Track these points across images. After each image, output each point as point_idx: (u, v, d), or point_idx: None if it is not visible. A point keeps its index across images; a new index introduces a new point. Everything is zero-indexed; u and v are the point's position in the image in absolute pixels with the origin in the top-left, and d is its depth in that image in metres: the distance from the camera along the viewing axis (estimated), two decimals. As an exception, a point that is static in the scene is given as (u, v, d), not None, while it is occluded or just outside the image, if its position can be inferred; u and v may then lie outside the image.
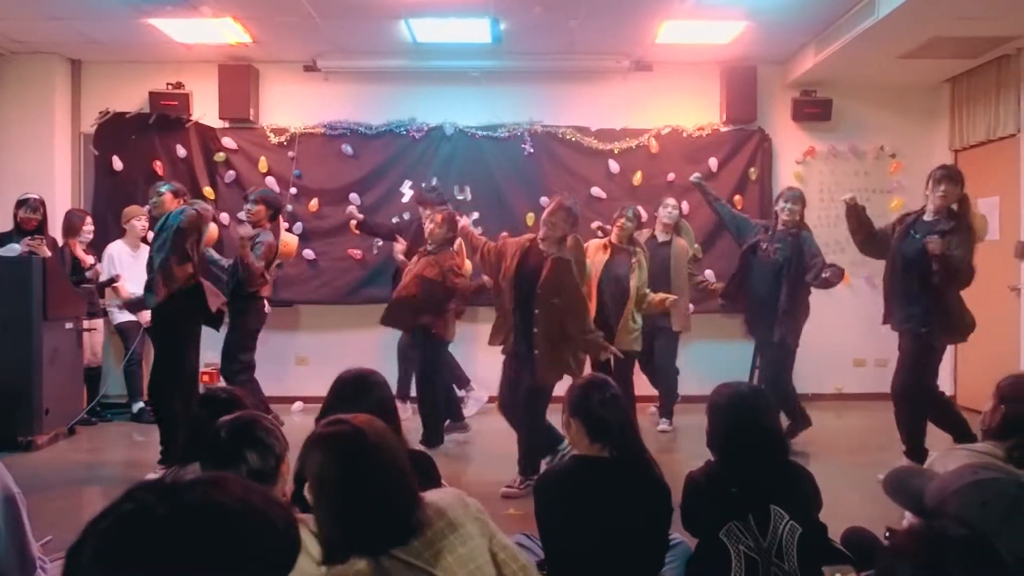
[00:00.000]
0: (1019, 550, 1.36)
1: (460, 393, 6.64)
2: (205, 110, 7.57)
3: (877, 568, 1.37)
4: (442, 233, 5.75)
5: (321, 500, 1.89)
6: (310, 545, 1.94)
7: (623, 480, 2.63)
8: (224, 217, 7.27)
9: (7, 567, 2.35)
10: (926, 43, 6.40)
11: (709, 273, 7.11)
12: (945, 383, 6.08)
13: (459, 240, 5.72)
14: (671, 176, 7.59)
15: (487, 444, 6.00)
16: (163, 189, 5.45)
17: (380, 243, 7.46)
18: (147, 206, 5.79)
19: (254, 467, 2.17)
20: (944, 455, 2.74)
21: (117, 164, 7.44)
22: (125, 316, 6.85)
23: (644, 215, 6.40)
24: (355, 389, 2.79)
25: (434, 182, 7.29)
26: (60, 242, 6.60)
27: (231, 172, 7.54)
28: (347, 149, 7.58)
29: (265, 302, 6.04)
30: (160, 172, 7.43)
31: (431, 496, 2.01)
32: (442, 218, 5.78)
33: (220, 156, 7.54)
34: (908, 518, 2.71)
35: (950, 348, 7.43)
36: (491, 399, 6.19)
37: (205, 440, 2.28)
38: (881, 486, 1.86)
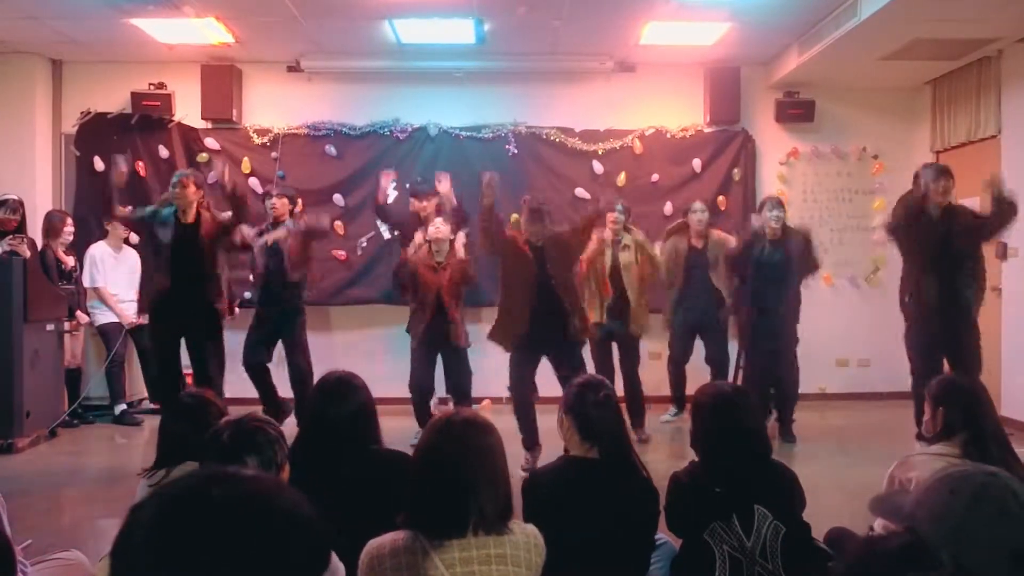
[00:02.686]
0: (987, 538, 1.39)
1: None
2: (187, 111, 7.53)
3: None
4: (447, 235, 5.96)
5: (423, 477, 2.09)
6: None
7: (611, 481, 2.63)
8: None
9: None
10: (908, 45, 6.44)
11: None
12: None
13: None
14: (655, 177, 7.62)
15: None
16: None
17: (364, 244, 7.45)
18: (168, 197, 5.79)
19: None
20: (904, 462, 2.79)
21: (99, 165, 7.39)
22: (107, 317, 6.81)
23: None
24: (337, 392, 2.80)
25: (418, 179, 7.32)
26: (40, 244, 6.55)
27: (213, 173, 7.49)
28: (331, 150, 7.56)
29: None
30: (142, 173, 7.39)
31: (518, 524, 2.10)
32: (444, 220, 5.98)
33: (203, 157, 7.49)
34: (879, 524, 2.74)
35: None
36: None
37: (207, 441, 2.27)
38: (869, 510, 1.88)
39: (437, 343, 5.90)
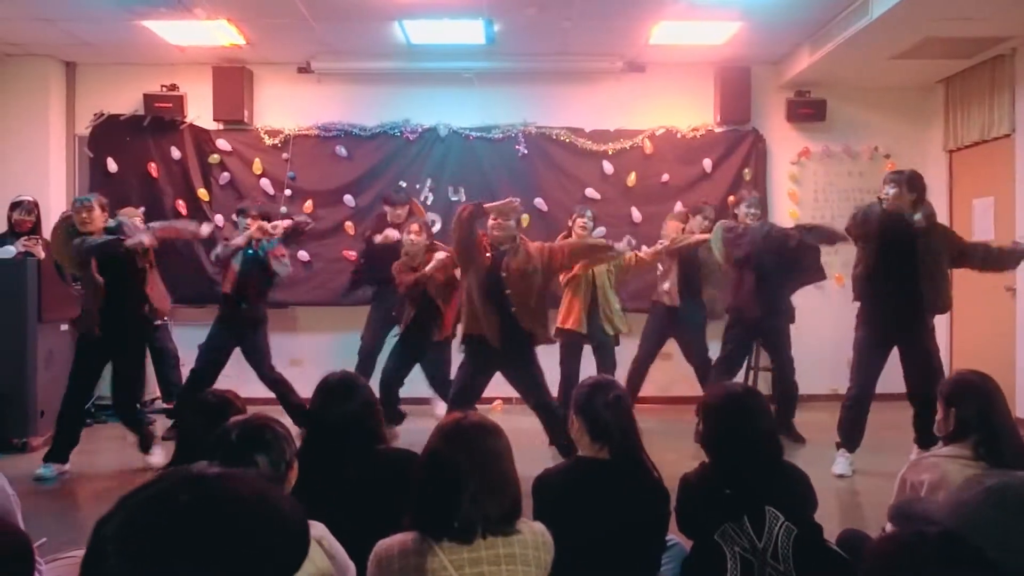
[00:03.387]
0: None
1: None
2: (199, 112, 7.56)
3: (861, 572, 1.37)
4: (422, 242, 5.95)
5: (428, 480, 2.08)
6: (311, 551, 1.94)
7: (621, 482, 2.63)
8: (219, 219, 7.26)
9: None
10: (920, 43, 6.41)
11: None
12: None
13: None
14: (665, 177, 7.60)
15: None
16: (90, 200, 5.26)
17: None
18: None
19: (264, 471, 2.15)
20: (915, 464, 2.75)
21: (112, 166, 7.44)
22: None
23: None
24: (340, 392, 2.80)
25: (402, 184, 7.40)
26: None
27: (225, 174, 7.53)
28: (341, 151, 7.58)
29: None
30: (155, 174, 7.44)
31: (523, 524, 2.10)
32: (419, 228, 5.98)
33: (214, 158, 7.53)
34: (891, 526, 2.71)
35: (946, 348, 7.46)
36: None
37: (214, 441, 2.26)
38: (890, 519, 1.87)
39: (417, 342, 5.95)
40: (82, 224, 5.17)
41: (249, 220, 6.08)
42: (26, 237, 6.03)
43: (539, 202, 7.45)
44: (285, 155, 7.54)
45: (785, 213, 7.68)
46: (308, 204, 7.51)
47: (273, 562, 1.01)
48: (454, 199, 7.55)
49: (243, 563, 0.97)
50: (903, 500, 1.95)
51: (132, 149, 7.47)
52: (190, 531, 0.95)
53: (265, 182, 7.50)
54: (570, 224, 6.20)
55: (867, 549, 1.41)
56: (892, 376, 5.38)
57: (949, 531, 1.30)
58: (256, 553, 0.98)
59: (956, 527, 1.46)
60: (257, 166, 7.53)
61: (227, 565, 0.95)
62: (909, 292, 5.02)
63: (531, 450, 5.13)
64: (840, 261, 7.48)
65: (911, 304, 5.05)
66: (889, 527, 2.28)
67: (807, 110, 7.73)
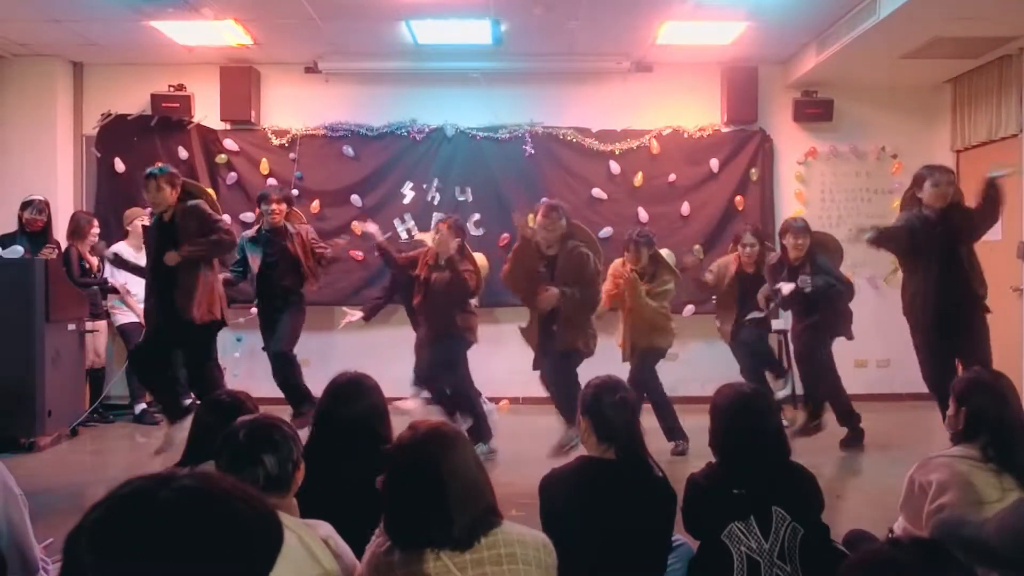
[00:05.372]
0: None
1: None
2: (207, 112, 7.58)
3: None
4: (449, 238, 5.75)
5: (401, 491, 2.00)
6: (317, 551, 1.94)
7: (627, 482, 2.63)
8: (226, 218, 7.26)
9: (10, 568, 2.34)
10: (927, 43, 6.40)
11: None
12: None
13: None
14: (672, 177, 7.60)
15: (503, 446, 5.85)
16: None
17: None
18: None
19: (271, 471, 2.14)
20: (924, 464, 2.73)
21: (119, 166, 7.46)
22: (127, 317, 6.86)
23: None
24: (349, 393, 2.80)
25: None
26: (64, 244, 6.61)
27: (232, 174, 7.55)
28: (348, 151, 7.59)
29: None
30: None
31: (516, 527, 2.06)
32: (447, 226, 5.72)
33: (222, 158, 7.55)
34: (900, 523, 2.70)
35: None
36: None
37: (221, 441, 2.25)
38: (934, 535, 1.85)
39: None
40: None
41: (273, 206, 5.92)
42: (46, 245, 6.10)
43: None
44: (292, 155, 7.56)
45: (791, 213, 7.65)
46: (315, 204, 7.52)
47: (253, 551, 1.01)
48: (461, 199, 7.56)
49: (225, 557, 0.97)
50: (947, 521, 1.89)
51: (139, 149, 7.48)
52: (171, 526, 0.95)
53: (272, 182, 7.48)
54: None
55: (844, 562, 1.40)
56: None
57: (922, 539, 1.30)
58: (236, 543, 0.99)
59: (1004, 545, 1.45)
60: (264, 166, 7.54)
61: (209, 560, 0.96)
62: (958, 281, 5.09)
63: (537, 450, 5.13)
64: (849, 262, 7.44)
65: (960, 293, 5.11)
66: (898, 526, 2.27)
67: (814, 110, 7.72)
